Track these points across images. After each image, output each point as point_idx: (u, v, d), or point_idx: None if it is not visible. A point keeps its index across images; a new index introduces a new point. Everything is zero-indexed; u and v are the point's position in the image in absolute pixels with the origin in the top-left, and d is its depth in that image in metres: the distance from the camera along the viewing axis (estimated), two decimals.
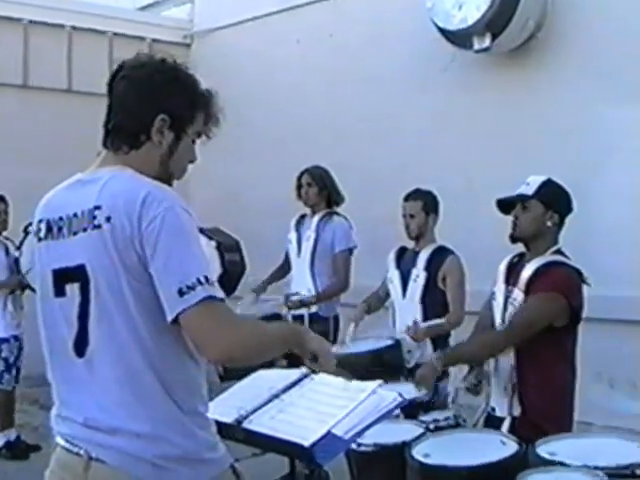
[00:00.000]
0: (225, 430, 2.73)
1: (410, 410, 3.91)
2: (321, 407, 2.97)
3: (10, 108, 9.03)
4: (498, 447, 3.31)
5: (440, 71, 7.52)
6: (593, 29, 6.73)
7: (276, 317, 6.16)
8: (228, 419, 3.03)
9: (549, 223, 4.05)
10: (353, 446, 3.56)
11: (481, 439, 3.53)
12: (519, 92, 7.10)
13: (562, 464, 3.02)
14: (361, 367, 4.54)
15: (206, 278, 2.31)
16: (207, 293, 2.29)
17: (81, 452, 2.43)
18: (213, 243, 6.39)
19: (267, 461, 5.01)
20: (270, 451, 3.30)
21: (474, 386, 4.13)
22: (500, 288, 4.15)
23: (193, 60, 8.93)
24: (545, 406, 3.88)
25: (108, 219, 2.36)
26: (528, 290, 3.95)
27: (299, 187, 6.42)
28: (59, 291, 2.47)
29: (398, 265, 5.58)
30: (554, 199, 4.09)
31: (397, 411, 3.81)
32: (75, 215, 2.44)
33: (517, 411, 3.90)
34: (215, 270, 6.21)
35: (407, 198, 5.56)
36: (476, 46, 6.90)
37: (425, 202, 5.51)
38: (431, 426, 3.76)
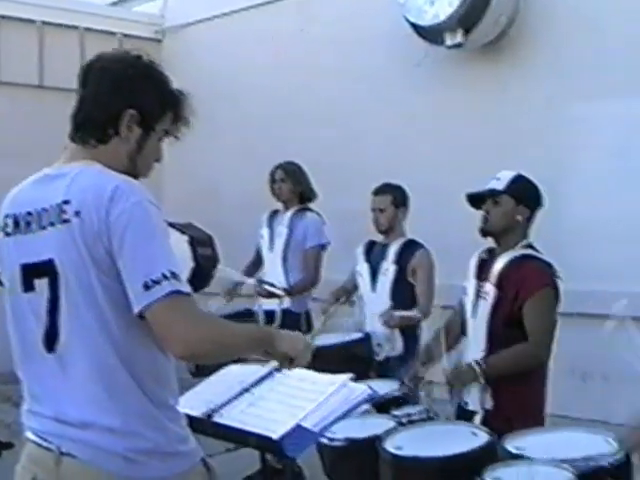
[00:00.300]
0: (195, 424, 2.73)
1: (382, 405, 3.93)
2: (291, 400, 2.99)
3: None
4: (469, 438, 3.33)
5: (413, 67, 7.53)
6: (564, 26, 6.76)
7: (248, 313, 6.17)
8: (198, 413, 3.04)
9: (519, 218, 4.09)
10: (325, 441, 3.58)
11: (452, 431, 3.55)
12: (491, 88, 7.12)
13: (529, 458, 3.04)
14: (330, 360, 4.54)
15: (172, 273, 2.30)
16: (173, 288, 2.28)
17: (52, 447, 2.43)
18: (185, 237, 6.35)
19: (240, 457, 5.02)
20: (240, 444, 3.31)
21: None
22: (471, 283, 4.18)
23: (164, 56, 8.91)
24: (517, 400, 3.92)
25: (77, 213, 2.36)
26: (500, 284, 3.98)
27: (272, 182, 6.42)
28: (28, 286, 2.45)
29: (367, 258, 5.61)
30: (525, 194, 4.13)
31: (369, 406, 3.87)
32: (44, 210, 2.43)
33: (489, 404, 3.94)
34: (187, 265, 6.20)
35: (376, 192, 5.60)
36: (448, 42, 6.91)
37: (394, 196, 5.55)
38: (403, 420, 3.76)
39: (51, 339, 2.43)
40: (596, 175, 6.52)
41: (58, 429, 2.43)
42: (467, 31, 6.82)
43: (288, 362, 2.72)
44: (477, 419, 3.91)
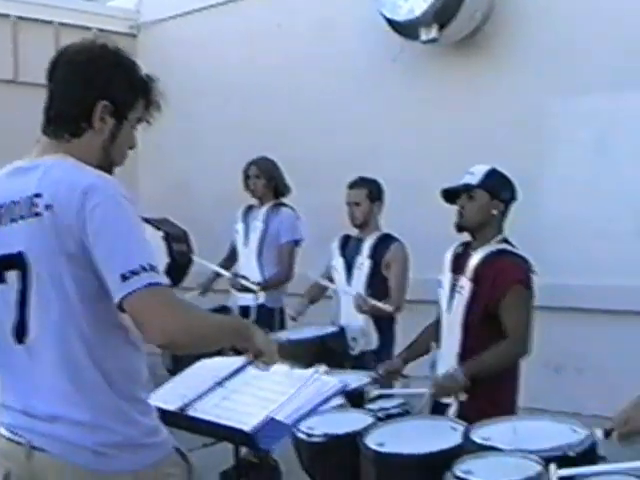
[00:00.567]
0: (169, 418, 2.74)
1: (356, 399, 3.95)
2: (264, 393, 3.01)
3: None
4: (450, 433, 3.35)
5: (389, 62, 7.54)
6: (538, 22, 6.78)
7: (224, 309, 6.18)
8: (172, 407, 3.05)
9: (494, 212, 4.12)
10: (303, 437, 3.58)
11: (432, 425, 3.56)
12: (466, 83, 7.14)
13: (496, 449, 3.06)
14: (305, 354, 4.57)
15: (151, 265, 2.29)
16: (152, 279, 2.28)
17: (22, 441, 2.43)
18: (160, 233, 6.38)
19: (216, 452, 5.02)
20: (213, 438, 3.33)
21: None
22: (447, 277, 4.20)
23: (140, 51, 8.88)
24: (490, 391, 3.94)
25: (48, 207, 2.35)
26: (476, 278, 4.00)
27: (246, 179, 6.43)
28: None
29: (342, 253, 5.63)
30: (499, 188, 4.15)
31: (344, 400, 3.89)
32: (14, 202, 2.42)
33: (463, 396, 3.95)
34: (162, 260, 6.21)
35: (351, 186, 5.62)
36: (423, 37, 6.91)
37: (370, 190, 5.57)
38: (380, 414, 3.77)
39: (20, 331, 2.43)
40: (571, 170, 6.56)
41: (28, 423, 2.44)
42: (442, 26, 6.81)
43: (258, 357, 2.72)
44: (451, 411, 3.93)
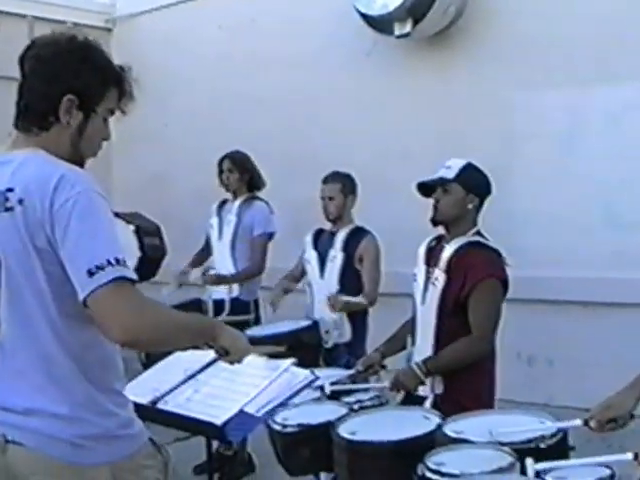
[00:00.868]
0: (141, 411, 2.73)
1: (333, 392, 3.98)
2: (235, 386, 3.03)
3: None
4: (422, 422, 3.37)
5: (363, 56, 7.56)
6: (512, 16, 6.81)
7: (197, 302, 6.18)
8: (144, 400, 3.06)
9: (469, 206, 4.13)
10: (278, 428, 3.60)
11: (405, 416, 3.58)
12: (439, 77, 7.16)
13: (468, 441, 3.09)
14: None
15: (117, 260, 2.28)
16: (118, 274, 2.27)
17: None
18: (131, 227, 6.38)
19: (190, 446, 5.03)
20: (185, 431, 3.34)
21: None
22: (421, 269, 4.21)
23: (115, 45, 8.86)
24: (466, 383, 3.97)
25: (20, 201, 2.35)
26: (449, 270, 4.02)
27: (220, 173, 6.42)
28: None
29: (315, 246, 5.65)
30: (474, 182, 4.16)
31: (320, 393, 3.91)
32: None
33: (439, 389, 3.98)
34: (133, 254, 6.21)
35: (325, 180, 5.64)
36: (397, 32, 6.92)
37: (343, 184, 5.60)
38: (355, 406, 3.79)
39: None
40: (542, 163, 6.60)
41: (3, 417, 2.43)
42: (416, 21, 6.83)
43: (225, 355, 2.72)
44: (428, 403, 3.95)
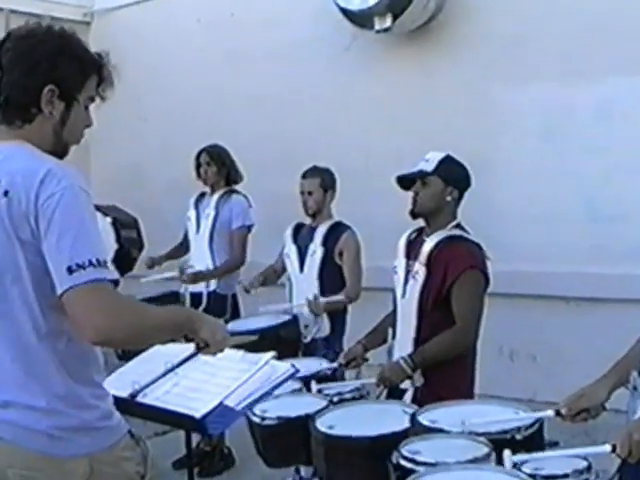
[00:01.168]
0: (120, 405, 2.72)
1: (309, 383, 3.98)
2: (215, 379, 3.03)
3: None
4: (401, 417, 3.35)
5: (342, 51, 7.56)
6: (492, 11, 6.83)
7: (174, 295, 6.15)
8: (123, 393, 3.04)
9: (449, 198, 4.13)
10: (257, 420, 3.60)
11: (384, 410, 3.58)
12: (419, 72, 7.17)
13: (443, 431, 3.09)
14: (258, 343, 4.57)
15: (98, 260, 2.29)
16: (98, 275, 2.28)
17: None
18: (108, 219, 6.36)
19: (168, 441, 5.03)
20: (164, 424, 3.32)
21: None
22: (401, 262, 4.21)
23: (93, 38, 8.79)
24: (446, 376, 3.97)
25: (5, 193, 2.34)
26: (429, 263, 4.02)
27: (198, 166, 6.40)
28: None
29: (295, 240, 5.64)
30: (453, 175, 4.16)
31: (300, 385, 3.91)
32: None
33: (419, 382, 3.97)
34: (110, 246, 6.19)
35: (305, 175, 5.62)
36: (377, 26, 6.92)
37: (323, 179, 5.58)
38: (335, 399, 3.79)
39: None
40: (522, 157, 6.63)
41: None
42: (396, 16, 6.84)
43: (204, 348, 2.71)
44: (408, 396, 3.95)
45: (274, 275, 5.86)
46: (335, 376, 4.32)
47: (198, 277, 6.18)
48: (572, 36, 6.38)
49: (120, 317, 2.34)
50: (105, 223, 6.27)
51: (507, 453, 2.73)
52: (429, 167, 4.13)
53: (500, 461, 2.78)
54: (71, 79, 2.51)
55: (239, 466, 6.08)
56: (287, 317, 5.34)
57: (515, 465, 2.76)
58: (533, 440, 3.03)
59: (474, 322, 4.06)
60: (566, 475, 2.87)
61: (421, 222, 4.25)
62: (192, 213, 6.47)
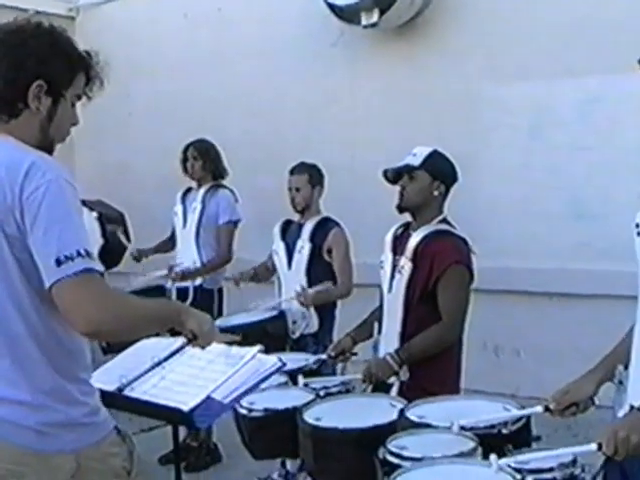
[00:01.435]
0: (107, 398, 2.73)
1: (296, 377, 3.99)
2: (202, 373, 3.04)
3: None
4: (388, 410, 3.37)
5: (329, 46, 7.56)
6: (479, 7, 6.85)
7: (160, 289, 6.14)
8: (110, 387, 3.04)
9: (435, 193, 4.13)
10: (244, 412, 3.62)
11: (371, 403, 3.59)
12: (406, 68, 7.18)
13: (430, 426, 3.09)
14: (246, 338, 4.58)
15: (86, 251, 2.29)
16: (86, 265, 2.28)
17: None
18: (94, 214, 6.34)
19: (155, 437, 5.01)
20: (151, 418, 3.33)
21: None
22: (387, 257, 4.21)
23: (78, 33, 8.76)
24: (432, 370, 3.97)
25: None
26: (415, 258, 4.02)
27: (184, 161, 6.40)
28: None
29: (283, 237, 5.63)
30: (440, 169, 4.16)
31: (287, 378, 3.91)
32: None
33: (405, 376, 3.97)
34: (96, 241, 6.17)
35: (292, 171, 5.62)
36: (364, 22, 6.93)
37: (310, 175, 5.58)
38: (321, 392, 3.80)
39: None
40: (508, 153, 6.66)
41: None
42: (383, 11, 6.85)
43: (192, 341, 2.72)
44: (394, 390, 3.94)
45: (266, 272, 5.84)
46: (320, 370, 4.32)
47: (186, 275, 6.18)
48: (559, 34, 6.41)
49: (110, 308, 2.35)
50: (91, 218, 6.25)
51: (493, 457, 2.71)
52: (416, 161, 4.13)
53: (486, 455, 2.78)
54: (59, 75, 2.50)
55: (225, 461, 6.08)
56: (275, 312, 5.34)
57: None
58: (520, 435, 3.05)
59: (460, 317, 4.07)
60: (551, 469, 2.87)
61: (408, 217, 4.25)
62: (179, 208, 6.47)
